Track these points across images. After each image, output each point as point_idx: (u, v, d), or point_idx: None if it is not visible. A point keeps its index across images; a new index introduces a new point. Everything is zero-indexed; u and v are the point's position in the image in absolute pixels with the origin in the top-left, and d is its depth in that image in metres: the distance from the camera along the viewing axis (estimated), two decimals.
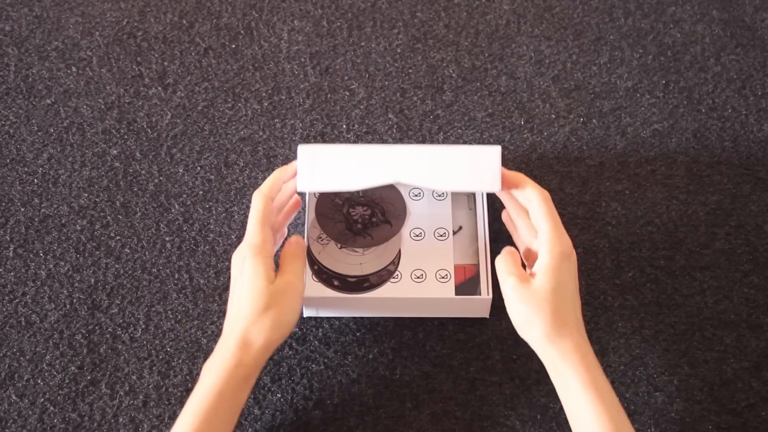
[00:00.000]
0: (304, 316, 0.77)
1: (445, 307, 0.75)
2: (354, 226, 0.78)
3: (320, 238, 0.78)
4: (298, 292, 0.68)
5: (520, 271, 0.69)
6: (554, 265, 0.67)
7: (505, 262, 0.70)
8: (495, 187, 0.71)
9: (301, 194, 0.82)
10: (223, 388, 0.64)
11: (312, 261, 0.77)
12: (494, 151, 0.71)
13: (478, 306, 0.75)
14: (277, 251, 0.77)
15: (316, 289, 0.75)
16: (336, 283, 0.75)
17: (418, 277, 0.76)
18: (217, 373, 0.64)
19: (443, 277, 0.76)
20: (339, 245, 0.78)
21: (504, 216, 0.79)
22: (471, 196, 0.81)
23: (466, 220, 0.80)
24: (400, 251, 0.77)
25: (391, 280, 0.76)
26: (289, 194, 0.74)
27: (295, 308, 0.68)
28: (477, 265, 0.77)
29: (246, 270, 0.67)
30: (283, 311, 0.66)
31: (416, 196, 0.81)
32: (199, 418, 0.63)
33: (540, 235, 0.69)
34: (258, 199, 0.70)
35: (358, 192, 0.81)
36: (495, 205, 0.83)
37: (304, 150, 0.71)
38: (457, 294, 0.75)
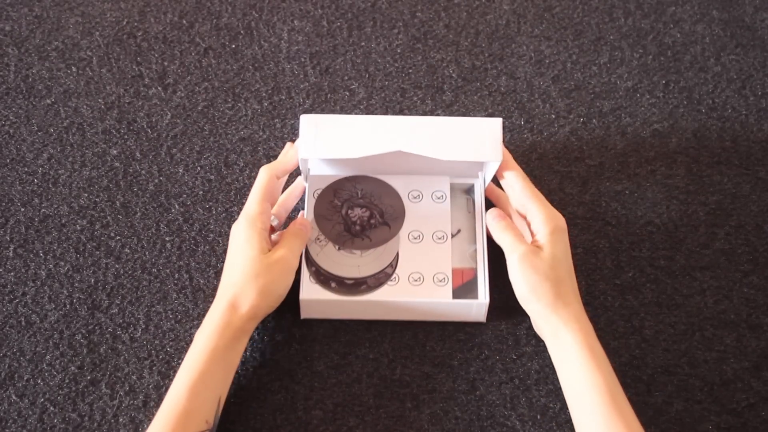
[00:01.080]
0: (301, 318, 0.77)
1: (442, 310, 0.75)
2: (352, 228, 0.78)
3: (318, 239, 0.78)
4: (289, 267, 0.72)
5: (527, 242, 0.72)
6: (552, 240, 0.71)
7: (511, 232, 0.73)
8: (496, 157, 0.72)
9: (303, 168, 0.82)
10: (214, 347, 0.67)
11: (309, 262, 0.76)
12: (496, 123, 0.73)
13: (475, 310, 0.75)
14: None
15: (313, 291, 0.75)
16: (333, 285, 0.75)
17: (416, 280, 0.76)
18: (208, 334, 0.68)
19: (441, 281, 0.75)
20: (337, 247, 0.77)
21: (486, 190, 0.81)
22: (470, 199, 0.81)
23: (464, 222, 0.80)
24: (398, 253, 0.77)
25: (389, 282, 0.76)
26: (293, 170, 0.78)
27: (283, 282, 0.72)
28: (475, 269, 0.77)
29: (240, 239, 0.72)
30: (271, 281, 0.70)
31: (415, 198, 0.81)
32: (193, 377, 0.66)
33: (532, 214, 0.73)
34: (263, 174, 0.75)
35: (356, 193, 0.80)
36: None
37: (306, 119, 0.73)
38: (454, 297, 0.75)
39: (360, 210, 0.79)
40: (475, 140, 0.73)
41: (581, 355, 0.66)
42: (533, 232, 0.73)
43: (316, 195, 0.81)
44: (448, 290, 0.75)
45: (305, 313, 0.76)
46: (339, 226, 0.78)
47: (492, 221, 0.75)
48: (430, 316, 0.76)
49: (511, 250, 0.71)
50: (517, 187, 0.74)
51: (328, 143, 0.72)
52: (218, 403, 0.67)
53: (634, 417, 0.64)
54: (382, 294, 0.75)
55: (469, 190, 0.82)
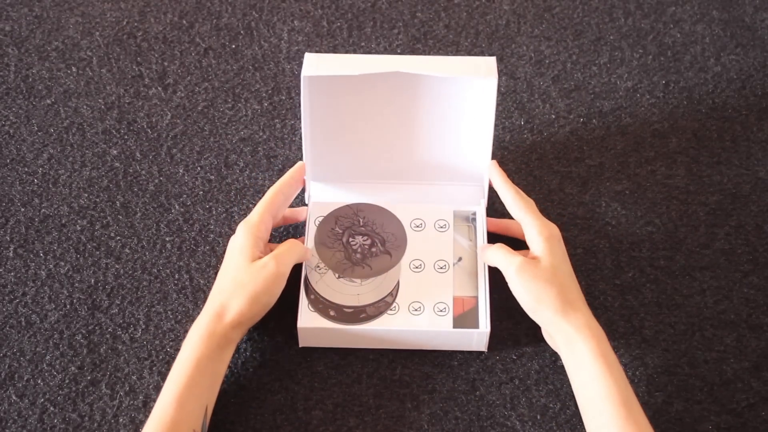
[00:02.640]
0: (300, 346, 0.76)
1: (442, 339, 0.74)
2: (353, 256, 0.77)
3: (318, 267, 0.77)
4: (276, 276, 0.71)
5: (521, 255, 0.72)
6: (549, 248, 0.71)
7: (502, 248, 0.73)
8: (492, 73, 0.74)
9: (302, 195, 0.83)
10: (200, 356, 0.67)
11: (308, 290, 0.76)
12: (490, 59, 0.75)
13: (476, 339, 0.74)
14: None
15: (312, 319, 0.74)
16: (332, 313, 0.74)
17: (416, 310, 0.75)
18: (193, 343, 0.68)
19: (441, 310, 0.74)
20: (337, 275, 0.77)
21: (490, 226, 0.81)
22: (471, 227, 0.80)
23: (465, 250, 0.79)
24: (398, 282, 0.76)
25: (389, 311, 0.75)
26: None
27: (270, 290, 0.71)
28: (476, 297, 0.76)
29: (235, 248, 0.73)
30: (258, 291, 0.70)
31: (417, 227, 0.80)
32: (180, 387, 0.66)
33: (525, 227, 0.73)
34: (270, 190, 0.76)
35: (358, 221, 0.80)
36: (497, 236, 0.83)
37: (310, 56, 0.75)
38: (455, 327, 0.73)
39: (361, 238, 0.78)
40: (472, 65, 0.75)
41: (595, 364, 0.66)
42: (529, 244, 0.73)
43: (317, 222, 0.80)
44: (449, 320, 0.74)
45: (303, 342, 0.75)
46: (339, 254, 0.78)
47: (481, 248, 0.76)
48: (431, 345, 0.75)
49: (507, 265, 0.71)
50: (509, 201, 0.75)
51: (330, 66, 0.74)
52: (205, 412, 0.67)
53: (648, 426, 0.64)
54: (382, 323, 0.74)
55: (471, 218, 0.81)
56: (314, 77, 0.74)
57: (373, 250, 0.78)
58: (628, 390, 0.65)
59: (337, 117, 0.79)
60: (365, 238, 0.79)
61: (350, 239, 0.78)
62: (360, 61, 0.77)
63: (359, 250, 0.78)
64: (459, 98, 0.78)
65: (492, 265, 0.75)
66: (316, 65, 0.74)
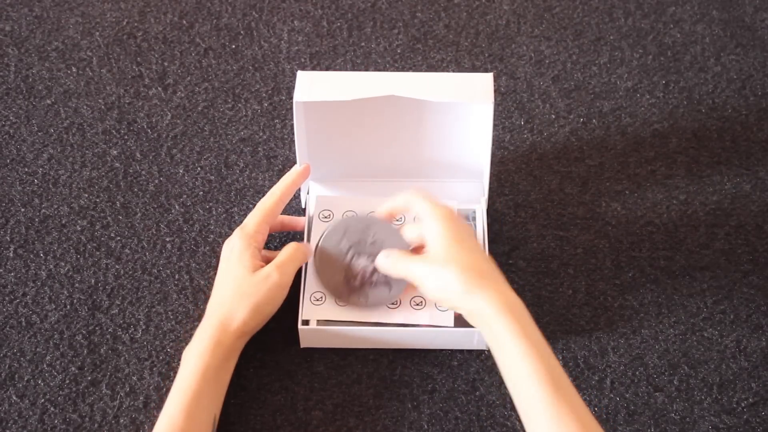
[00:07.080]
0: (301, 347, 0.76)
1: (443, 339, 0.74)
2: (351, 282, 0.75)
3: (315, 298, 0.76)
4: (280, 287, 0.71)
5: (408, 253, 0.72)
6: (442, 228, 0.68)
7: (391, 255, 0.72)
8: (488, 100, 0.72)
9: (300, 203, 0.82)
10: (206, 367, 0.67)
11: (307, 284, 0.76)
12: (487, 76, 0.74)
13: (477, 338, 0.73)
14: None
15: (314, 320, 0.74)
16: (331, 290, 0.75)
17: (418, 305, 0.75)
18: (198, 353, 0.68)
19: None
20: (337, 301, 0.75)
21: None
22: (471, 225, 0.80)
23: None
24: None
25: (390, 305, 0.75)
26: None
27: (273, 301, 0.71)
28: None
29: (232, 256, 0.72)
30: (260, 300, 0.70)
31: None
32: (188, 398, 0.65)
33: (418, 213, 0.70)
34: (270, 197, 0.75)
35: (366, 239, 0.75)
36: (496, 235, 0.83)
37: (302, 74, 0.74)
38: (456, 324, 0.73)
39: (365, 260, 0.75)
40: (467, 87, 0.74)
41: (516, 343, 0.62)
42: (424, 228, 0.70)
43: (321, 216, 0.80)
44: (450, 315, 0.74)
45: (305, 342, 0.75)
46: (339, 276, 0.75)
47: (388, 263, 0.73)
48: (431, 344, 0.75)
49: (404, 267, 0.70)
50: (401, 198, 0.72)
51: (323, 89, 0.73)
52: (213, 422, 0.67)
53: (578, 399, 0.61)
54: (382, 317, 0.74)
55: (471, 217, 0.81)
56: (307, 103, 0.73)
57: (374, 278, 0.75)
58: (556, 366, 0.62)
59: (330, 136, 0.79)
60: (369, 262, 0.75)
61: (353, 260, 0.75)
62: (354, 81, 0.75)
63: (359, 276, 0.75)
64: (455, 119, 0.79)
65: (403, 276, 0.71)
66: (308, 88, 0.73)
